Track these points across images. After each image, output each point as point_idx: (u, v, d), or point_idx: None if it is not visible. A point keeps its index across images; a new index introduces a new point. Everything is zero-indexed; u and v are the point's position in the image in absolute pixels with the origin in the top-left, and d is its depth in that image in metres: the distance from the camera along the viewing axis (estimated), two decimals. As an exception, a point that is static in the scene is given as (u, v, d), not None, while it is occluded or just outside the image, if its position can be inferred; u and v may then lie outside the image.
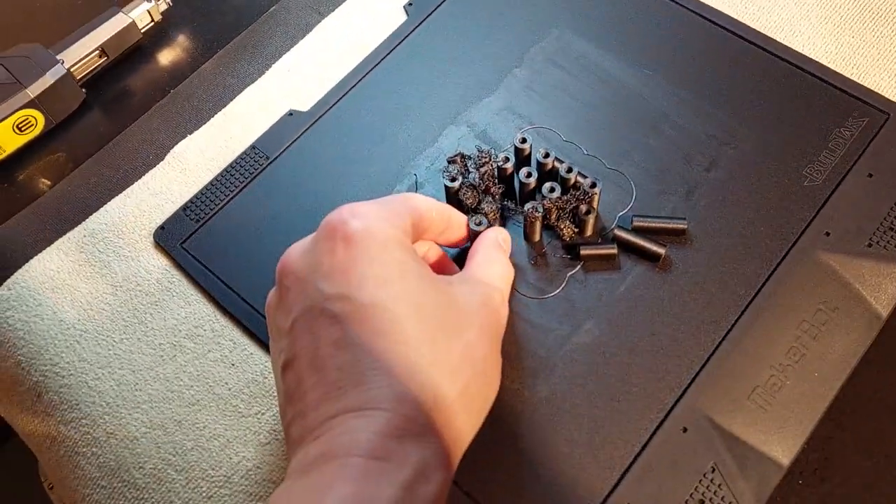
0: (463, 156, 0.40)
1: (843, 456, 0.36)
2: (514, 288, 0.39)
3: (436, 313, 0.30)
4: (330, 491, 0.26)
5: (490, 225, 0.39)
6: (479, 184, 0.40)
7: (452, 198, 0.40)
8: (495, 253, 0.36)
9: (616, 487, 0.35)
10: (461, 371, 0.30)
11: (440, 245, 0.38)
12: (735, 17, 0.47)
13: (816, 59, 0.44)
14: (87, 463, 0.39)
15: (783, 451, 0.35)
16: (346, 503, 0.25)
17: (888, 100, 0.43)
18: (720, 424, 0.36)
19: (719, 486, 0.34)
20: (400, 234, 0.32)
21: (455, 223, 0.37)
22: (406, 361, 0.29)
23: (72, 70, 0.48)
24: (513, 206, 0.41)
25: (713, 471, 0.35)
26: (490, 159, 0.40)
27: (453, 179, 0.39)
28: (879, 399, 0.37)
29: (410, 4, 0.50)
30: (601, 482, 0.35)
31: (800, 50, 0.45)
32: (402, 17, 0.50)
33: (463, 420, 0.30)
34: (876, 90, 0.43)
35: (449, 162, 0.40)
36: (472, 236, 0.39)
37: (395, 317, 0.29)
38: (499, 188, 0.40)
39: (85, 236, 0.44)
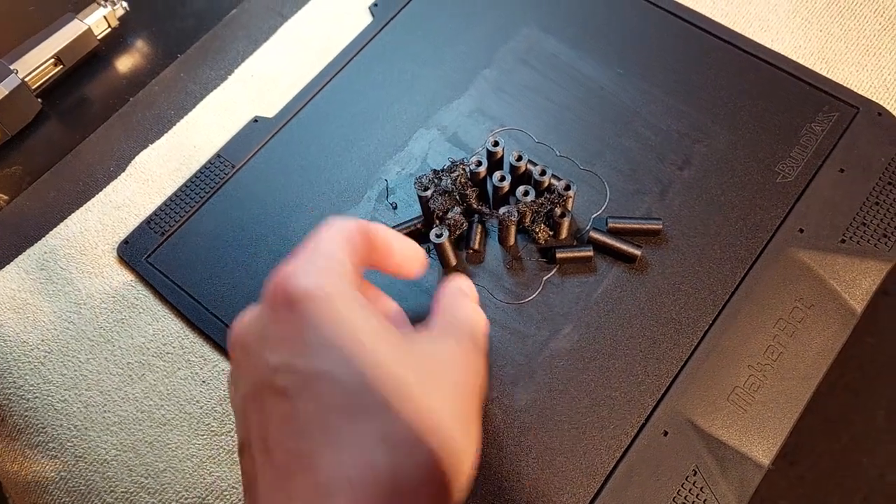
0: (435, 171, 0.39)
1: (812, 440, 0.37)
2: (491, 294, 0.39)
3: (396, 376, 0.26)
4: None
5: (451, 236, 0.38)
6: (453, 189, 0.39)
7: (426, 207, 0.39)
8: (461, 298, 0.32)
9: (598, 494, 0.34)
10: (429, 440, 0.26)
11: (397, 276, 0.33)
12: (704, 13, 0.46)
13: (785, 55, 0.44)
14: (56, 488, 0.37)
15: (763, 450, 0.35)
16: None
17: (857, 94, 0.43)
18: (701, 427, 0.35)
19: (701, 489, 0.34)
20: (345, 284, 0.28)
21: (409, 249, 0.33)
22: (361, 438, 0.25)
23: (26, 80, 0.46)
24: (487, 210, 0.40)
25: (695, 474, 0.35)
26: (461, 164, 0.39)
27: (426, 189, 0.39)
28: (845, 384, 0.37)
29: (376, 5, 0.49)
30: (584, 489, 0.34)
31: (768, 45, 0.45)
32: (368, 19, 0.49)
33: (436, 493, 0.26)
34: (845, 84, 0.43)
35: (416, 182, 0.39)
36: (436, 249, 0.39)
37: (347, 386, 0.25)
38: (474, 191, 0.39)
39: (45, 253, 0.42)
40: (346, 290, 0.27)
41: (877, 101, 0.43)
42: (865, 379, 0.39)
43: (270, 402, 0.26)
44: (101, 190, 0.44)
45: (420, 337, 0.29)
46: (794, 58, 0.44)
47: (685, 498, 0.34)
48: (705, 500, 0.34)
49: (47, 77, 0.48)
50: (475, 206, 0.40)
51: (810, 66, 0.44)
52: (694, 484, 0.34)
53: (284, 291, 0.27)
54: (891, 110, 0.42)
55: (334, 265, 0.28)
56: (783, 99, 0.43)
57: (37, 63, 0.47)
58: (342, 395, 0.25)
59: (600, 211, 0.41)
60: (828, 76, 0.44)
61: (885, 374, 0.39)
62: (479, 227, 0.40)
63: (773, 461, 0.35)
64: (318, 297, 0.27)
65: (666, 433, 0.35)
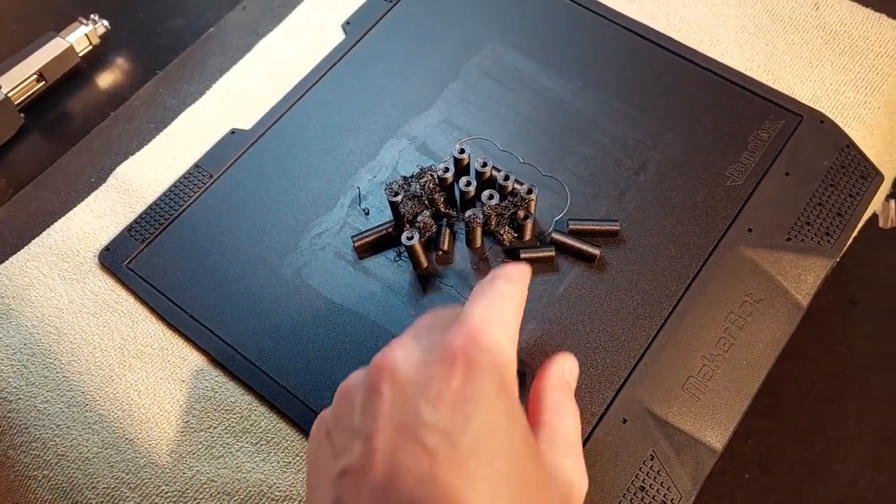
0: (405, 177, 0.42)
1: (785, 448, 0.37)
2: (459, 293, 0.41)
3: (525, 481, 0.27)
4: None
5: (421, 239, 0.40)
6: (422, 194, 0.41)
7: (397, 211, 0.41)
8: (569, 419, 0.33)
9: (562, 479, 0.36)
10: None
11: None
12: (659, 29, 0.49)
13: (734, 67, 0.47)
14: (39, 486, 0.38)
15: (716, 436, 0.37)
16: None
17: (801, 103, 0.46)
18: (657, 414, 0.37)
19: (658, 472, 0.36)
20: (514, 363, 0.29)
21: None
22: None
23: (10, 95, 0.48)
24: (454, 213, 0.42)
25: (652, 458, 0.37)
26: (430, 170, 0.41)
27: (396, 194, 0.41)
28: (818, 393, 0.39)
29: (348, 23, 0.51)
30: (547, 475, 0.36)
31: (719, 58, 0.48)
32: (340, 36, 0.51)
33: None
34: (789, 94, 0.46)
35: (387, 188, 0.41)
36: (407, 251, 0.40)
37: (490, 472, 0.26)
38: (442, 195, 0.42)
39: (28, 260, 0.44)
40: (514, 371, 0.28)
41: (819, 109, 0.45)
42: (837, 387, 0.40)
43: (410, 452, 0.26)
44: (82, 200, 0.46)
45: (547, 463, 0.31)
46: (742, 70, 0.47)
47: (643, 481, 0.36)
48: (662, 482, 0.36)
49: (30, 92, 0.50)
50: (443, 209, 0.42)
51: (757, 78, 0.47)
52: (651, 468, 0.36)
53: (470, 355, 0.27)
54: (832, 118, 0.45)
55: (515, 336, 0.29)
56: (732, 108, 0.46)
57: (20, 79, 0.49)
58: (482, 479, 0.26)
59: (562, 214, 0.43)
60: (774, 87, 0.46)
61: (856, 382, 0.40)
62: (448, 229, 0.42)
63: (748, 469, 0.37)
64: (498, 373, 0.27)
65: (625, 420, 0.37)
